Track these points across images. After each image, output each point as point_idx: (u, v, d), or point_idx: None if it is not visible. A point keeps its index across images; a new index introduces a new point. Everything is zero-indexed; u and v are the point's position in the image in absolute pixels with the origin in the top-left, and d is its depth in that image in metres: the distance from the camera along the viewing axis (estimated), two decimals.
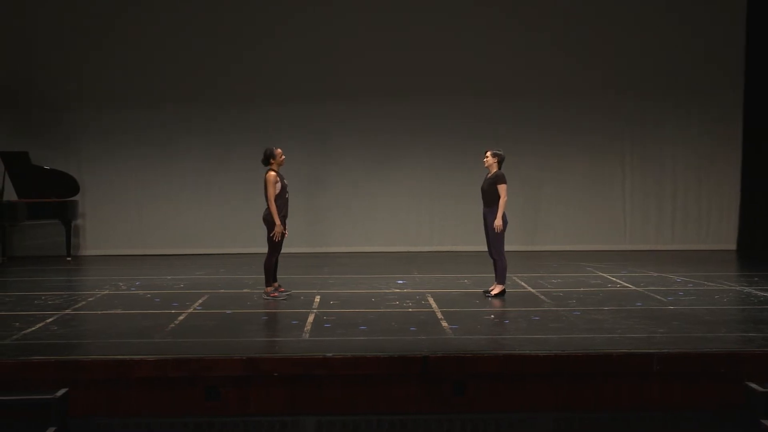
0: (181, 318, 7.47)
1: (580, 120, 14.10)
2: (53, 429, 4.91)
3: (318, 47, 13.80)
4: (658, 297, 8.54)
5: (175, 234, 13.93)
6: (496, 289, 8.67)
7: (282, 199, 8.51)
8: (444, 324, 7.12)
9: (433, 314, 7.64)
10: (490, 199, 8.62)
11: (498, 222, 8.54)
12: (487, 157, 8.74)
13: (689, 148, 14.19)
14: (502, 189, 8.56)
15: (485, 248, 8.91)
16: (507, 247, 14.00)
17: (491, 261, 8.83)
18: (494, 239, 8.63)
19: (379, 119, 14.00)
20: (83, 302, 8.52)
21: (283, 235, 8.46)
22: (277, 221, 8.33)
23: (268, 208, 8.43)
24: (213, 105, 13.91)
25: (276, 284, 8.69)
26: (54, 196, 12.80)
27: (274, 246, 8.50)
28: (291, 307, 8.17)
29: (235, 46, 13.82)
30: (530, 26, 13.92)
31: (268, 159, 8.52)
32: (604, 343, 6.23)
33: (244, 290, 9.36)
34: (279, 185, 8.48)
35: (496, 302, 8.39)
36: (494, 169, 8.72)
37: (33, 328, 6.93)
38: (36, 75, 13.76)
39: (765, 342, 6.26)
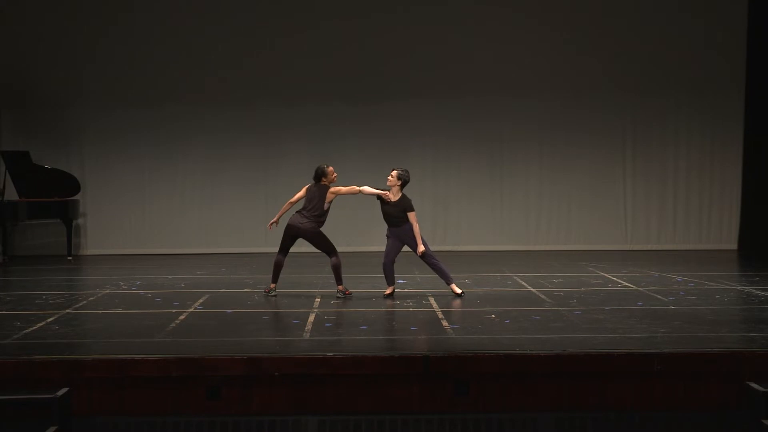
0: (182, 317, 7.48)
1: (581, 119, 14.10)
2: (54, 428, 4.91)
3: (319, 48, 13.80)
4: (659, 297, 8.53)
5: (176, 233, 13.94)
6: (458, 289, 8.67)
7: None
8: (444, 324, 7.12)
9: (434, 314, 7.64)
10: (400, 222, 8.50)
11: (423, 248, 8.47)
12: (391, 176, 8.52)
13: (690, 148, 14.18)
14: (413, 217, 8.48)
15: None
16: (508, 247, 14.03)
17: (434, 263, 8.68)
18: (427, 250, 8.54)
19: (380, 119, 14.00)
20: (84, 301, 8.53)
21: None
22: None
23: (319, 218, 8.61)
24: (214, 105, 13.91)
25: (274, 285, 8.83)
26: (55, 196, 12.81)
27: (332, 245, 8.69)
28: (292, 306, 8.17)
29: (236, 46, 13.82)
30: (532, 26, 13.91)
31: (320, 177, 8.64)
32: (606, 342, 6.23)
33: (245, 290, 9.36)
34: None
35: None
36: (398, 193, 8.49)
37: (34, 328, 6.94)
38: (37, 75, 13.77)
39: (766, 342, 6.24)
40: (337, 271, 8.66)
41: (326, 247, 8.70)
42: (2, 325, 7.00)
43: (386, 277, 8.73)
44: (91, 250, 13.92)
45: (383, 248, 8.81)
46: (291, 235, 8.68)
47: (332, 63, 13.83)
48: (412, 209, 8.49)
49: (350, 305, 8.22)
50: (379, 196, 8.57)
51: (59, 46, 13.75)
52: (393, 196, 8.50)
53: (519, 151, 14.14)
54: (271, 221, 8.92)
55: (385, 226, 8.70)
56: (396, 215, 8.50)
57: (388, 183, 8.56)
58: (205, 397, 5.73)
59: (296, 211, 8.69)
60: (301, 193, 8.74)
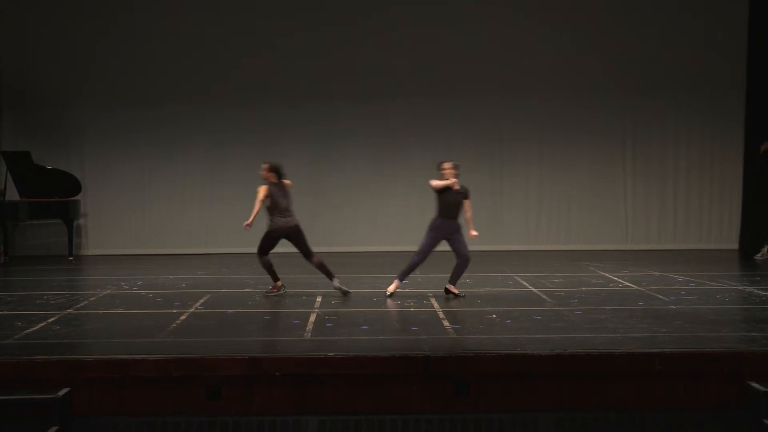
0: (182, 317, 7.48)
1: (580, 119, 14.11)
2: (55, 428, 4.91)
3: (321, 47, 13.81)
4: (660, 296, 8.53)
5: (176, 234, 13.94)
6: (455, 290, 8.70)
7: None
8: (445, 323, 7.12)
9: (435, 314, 7.64)
10: (458, 212, 8.60)
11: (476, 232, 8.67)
12: (449, 170, 8.51)
13: (691, 147, 14.19)
14: (469, 204, 8.64)
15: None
16: (509, 247, 14.04)
17: (460, 263, 8.70)
18: (467, 244, 8.61)
19: (383, 119, 14.00)
20: (85, 302, 8.53)
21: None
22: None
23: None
24: (215, 105, 13.92)
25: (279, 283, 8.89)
26: (56, 196, 12.81)
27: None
28: (293, 306, 8.17)
29: (237, 46, 13.83)
30: (532, 26, 13.92)
31: (282, 173, 8.81)
32: (606, 342, 6.23)
33: (246, 290, 9.37)
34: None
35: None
36: (457, 183, 8.56)
37: (35, 328, 6.94)
38: (37, 75, 13.77)
39: (767, 341, 6.25)
40: (323, 267, 8.70)
41: (307, 245, 8.77)
42: (3, 325, 7.00)
43: (404, 273, 8.72)
44: (92, 251, 13.93)
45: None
46: (277, 237, 8.78)
47: (332, 63, 13.83)
48: (468, 196, 8.62)
49: (351, 305, 8.22)
50: (446, 187, 8.52)
51: (59, 46, 13.76)
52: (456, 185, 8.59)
53: (519, 151, 14.14)
54: (247, 222, 8.78)
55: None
56: (458, 203, 8.57)
57: (451, 175, 8.51)
58: (205, 397, 5.74)
59: (277, 215, 8.68)
60: (265, 193, 8.68)
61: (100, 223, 13.98)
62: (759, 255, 12.53)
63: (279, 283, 8.89)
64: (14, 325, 7.04)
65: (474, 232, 8.69)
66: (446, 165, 8.56)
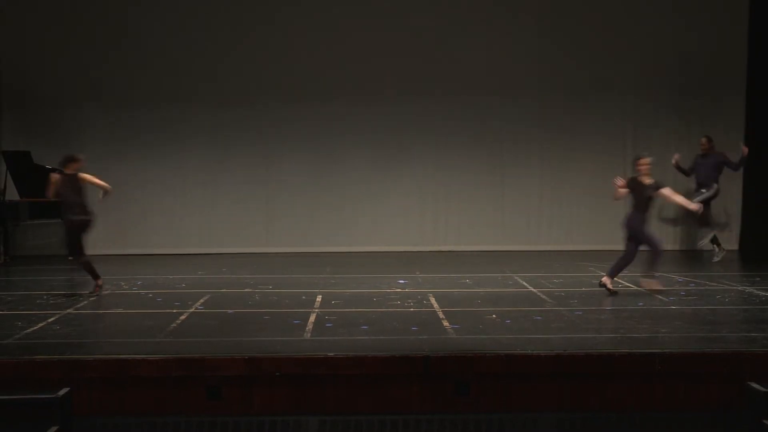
0: (182, 317, 7.48)
1: (581, 120, 14.08)
2: (55, 428, 4.91)
3: (320, 47, 13.79)
4: (660, 297, 8.53)
5: (176, 234, 13.92)
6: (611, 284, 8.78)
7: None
8: (445, 324, 7.12)
9: (435, 314, 7.64)
10: (650, 204, 8.73)
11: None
12: (645, 164, 8.65)
13: (691, 149, 14.15)
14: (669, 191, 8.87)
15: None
16: (509, 247, 13.98)
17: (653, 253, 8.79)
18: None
19: (383, 119, 13.98)
20: (85, 301, 8.53)
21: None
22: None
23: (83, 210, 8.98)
24: (215, 105, 13.90)
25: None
26: None
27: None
28: (293, 306, 8.17)
29: (238, 46, 13.81)
30: (532, 27, 13.91)
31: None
32: (606, 343, 6.23)
33: (246, 290, 9.36)
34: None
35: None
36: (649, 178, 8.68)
37: (35, 328, 6.94)
38: (38, 75, 13.75)
39: (767, 342, 6.25)
40: (90, 266, 8.93)
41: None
42: (4, 325, 7.00)
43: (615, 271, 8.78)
44: (92, 250, 13.87)
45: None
46: (80, 232, 9.03)
47: (333, 63, 13.82)
48: (662, 185, 8.76)
49: (351, 305, 8.22)
50: (637, 183, 8.64)
51: (59, 46, 13.73)
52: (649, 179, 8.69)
53: (519, 152, 14.12)
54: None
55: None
56: (649, 198, 8.67)
57: (645, 171, 8.63)
58: (205, 397, 5.74)
59: (80, 206, 8.98)
60: (54, 186, 8.92)
61: (99, 223, 13.88)
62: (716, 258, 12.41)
63: (100, 281, 9.00)
64: (14, 324, 7.04)
65: (694, 206, 9.05)
66: (642, 161, 8.67)
